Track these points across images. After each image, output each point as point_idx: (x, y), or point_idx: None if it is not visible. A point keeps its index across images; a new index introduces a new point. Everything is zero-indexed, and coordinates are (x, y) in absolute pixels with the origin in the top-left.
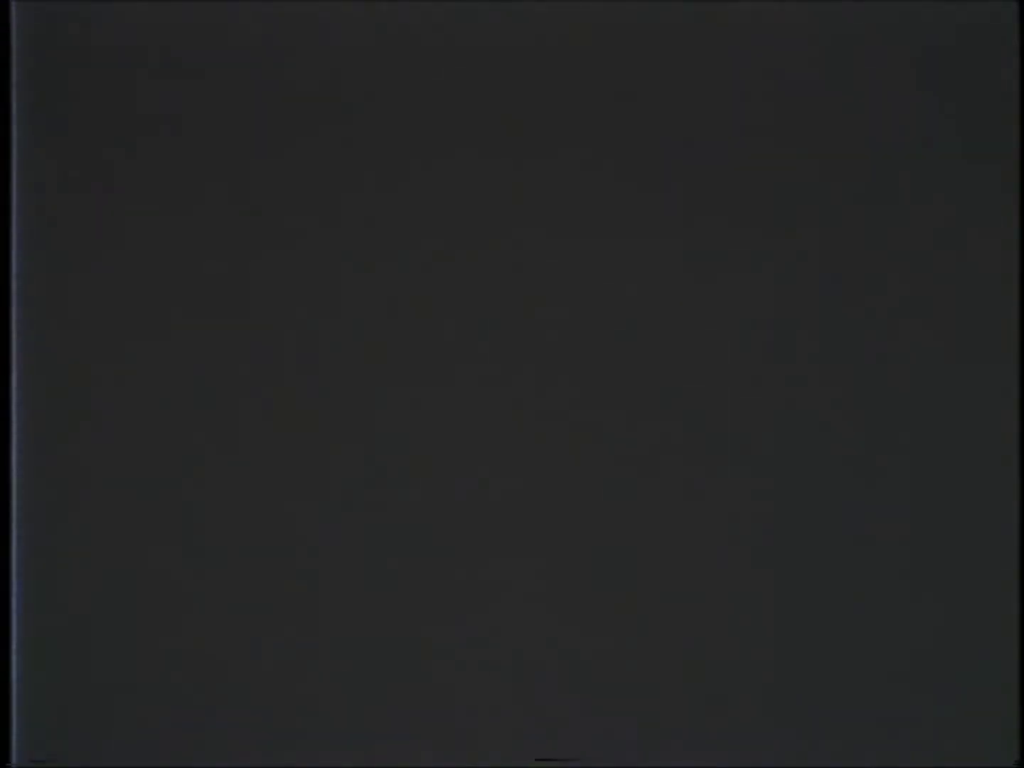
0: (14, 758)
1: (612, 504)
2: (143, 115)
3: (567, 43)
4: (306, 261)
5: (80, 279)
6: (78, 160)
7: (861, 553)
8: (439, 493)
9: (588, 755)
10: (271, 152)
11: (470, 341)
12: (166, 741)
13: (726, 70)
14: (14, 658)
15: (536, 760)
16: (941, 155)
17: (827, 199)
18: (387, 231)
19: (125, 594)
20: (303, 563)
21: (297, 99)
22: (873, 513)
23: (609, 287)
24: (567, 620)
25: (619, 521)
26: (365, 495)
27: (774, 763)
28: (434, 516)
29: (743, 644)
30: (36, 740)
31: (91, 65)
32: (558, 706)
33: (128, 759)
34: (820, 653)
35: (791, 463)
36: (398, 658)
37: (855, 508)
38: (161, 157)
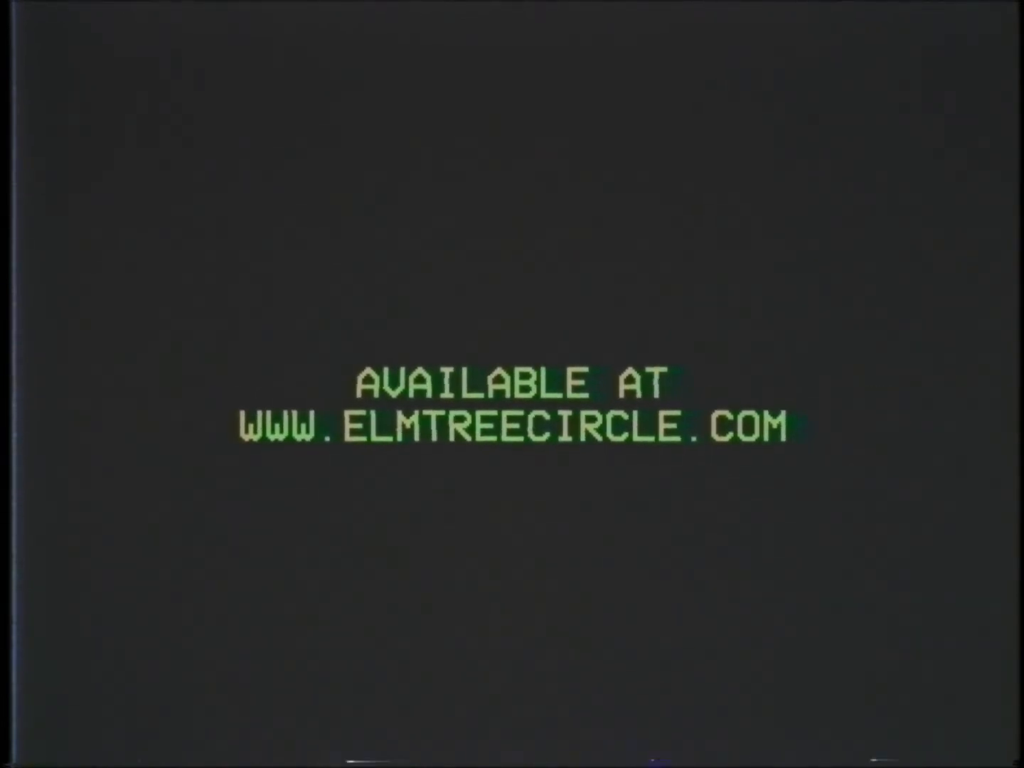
0: (14, 758)
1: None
2: (143, 114)
3: (564, 44)
4: (307, 266)
5: (79, 278)
6: (77, 160)
7: (862, 553)
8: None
9: (588, 755)
10: (272, 151)
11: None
12: (165, 741)
13: (726, 71)
14: (14, 658)
15: (543, 761)
16: (942, 156)
17: (827, 199)
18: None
19: (125, 595)
20: (302, 564)
21: (297, 98)
22: (874, 513)
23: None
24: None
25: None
26: (365, 499)
27: (774, 763)
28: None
29: (743, 642)
30: (36, 740)
31: (91, 65)
32: (557, 706)
33: (127, 759)
34: (820, 653)
35: (791, 458)
36: (397, 659)
37: (856, 508)
38: (160, 156)
